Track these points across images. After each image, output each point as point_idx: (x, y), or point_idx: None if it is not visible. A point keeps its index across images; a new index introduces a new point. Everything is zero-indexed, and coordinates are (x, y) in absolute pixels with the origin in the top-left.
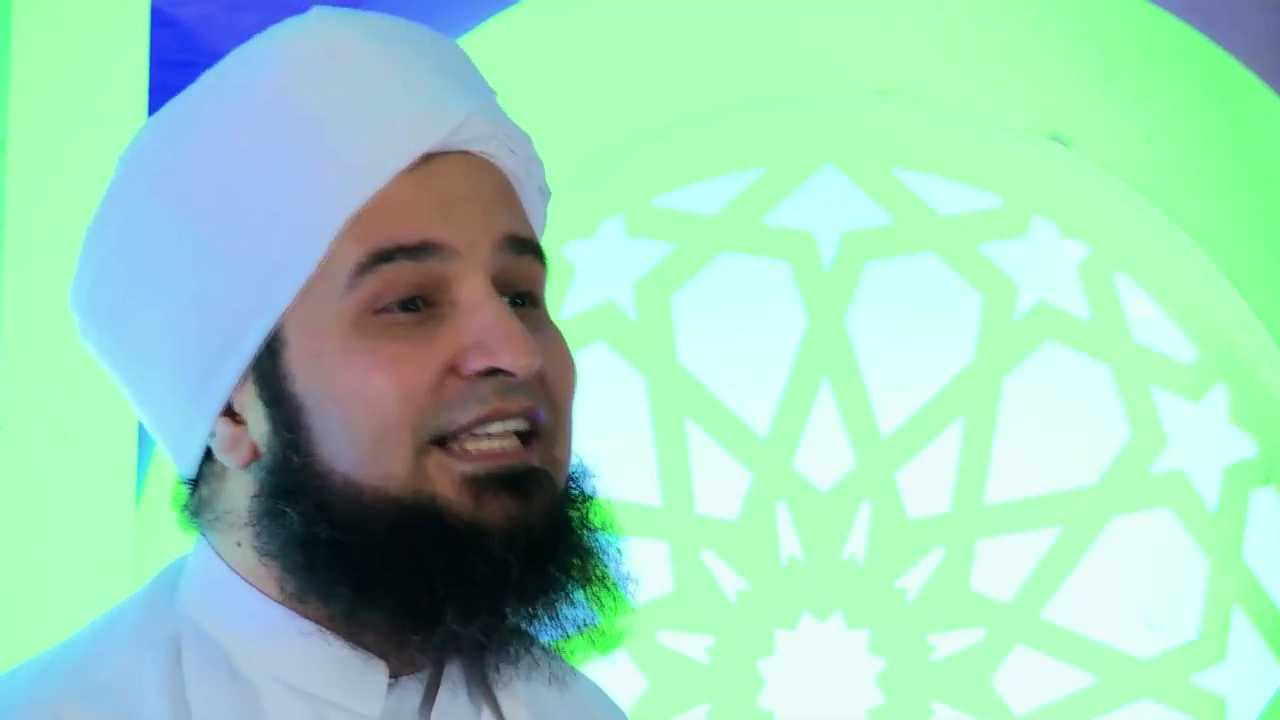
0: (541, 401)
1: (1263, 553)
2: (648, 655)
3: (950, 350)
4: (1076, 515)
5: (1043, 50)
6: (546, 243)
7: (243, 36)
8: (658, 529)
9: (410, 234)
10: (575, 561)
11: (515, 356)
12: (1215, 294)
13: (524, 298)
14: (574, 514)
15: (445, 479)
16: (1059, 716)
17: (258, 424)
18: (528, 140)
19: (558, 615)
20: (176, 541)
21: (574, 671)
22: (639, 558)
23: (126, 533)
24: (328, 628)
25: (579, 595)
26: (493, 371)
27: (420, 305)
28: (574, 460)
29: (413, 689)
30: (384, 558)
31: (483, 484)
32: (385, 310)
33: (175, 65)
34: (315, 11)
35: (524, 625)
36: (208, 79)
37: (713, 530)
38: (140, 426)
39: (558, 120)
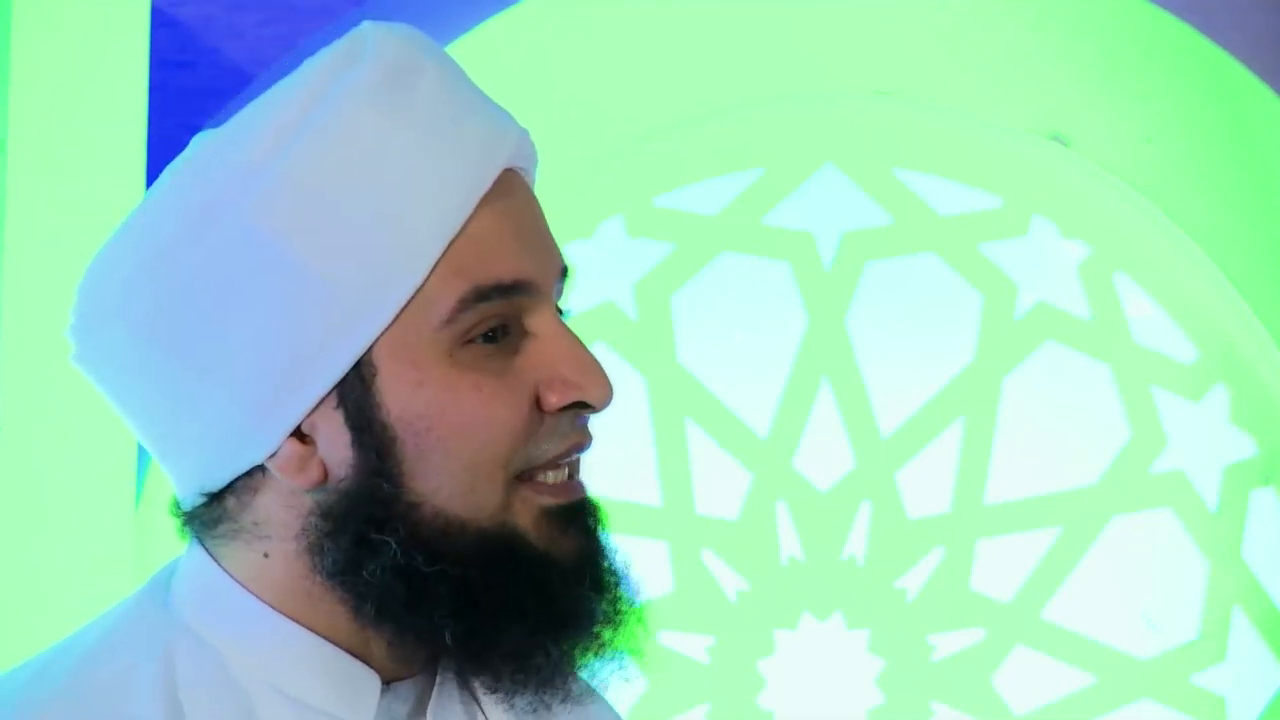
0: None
1: (1263, 553)
2: (648, 655)
3: (950, 350)
4: (1076, 515)
5: (1043, 50)
6: None
7: (243, 36)
8: (658, 529)
9: (508, 272)
10: (617, 589)
11: (598, 391)
12: (1215, 294)
13: (561, 314)
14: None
15: (526, 512)
16: (1059, 716)
17: (334, 447)
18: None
19: (604, 644)
20: (176, 542)
21: (591, 690)
22: (639, 558)
23: (126, 533)
24: (327, 639)
25: (618, 622)
26: (575, 404)
27: (498, 335)
28: None
29: (405, 695)
30: (483, 590)
31: (559, 517)
32: (472, 342)
33: (175, 65)
34: (377, 28)
35: (580, 655)
36: (287, 98)
37: (713, 530)
38: None
39: (558, 120)
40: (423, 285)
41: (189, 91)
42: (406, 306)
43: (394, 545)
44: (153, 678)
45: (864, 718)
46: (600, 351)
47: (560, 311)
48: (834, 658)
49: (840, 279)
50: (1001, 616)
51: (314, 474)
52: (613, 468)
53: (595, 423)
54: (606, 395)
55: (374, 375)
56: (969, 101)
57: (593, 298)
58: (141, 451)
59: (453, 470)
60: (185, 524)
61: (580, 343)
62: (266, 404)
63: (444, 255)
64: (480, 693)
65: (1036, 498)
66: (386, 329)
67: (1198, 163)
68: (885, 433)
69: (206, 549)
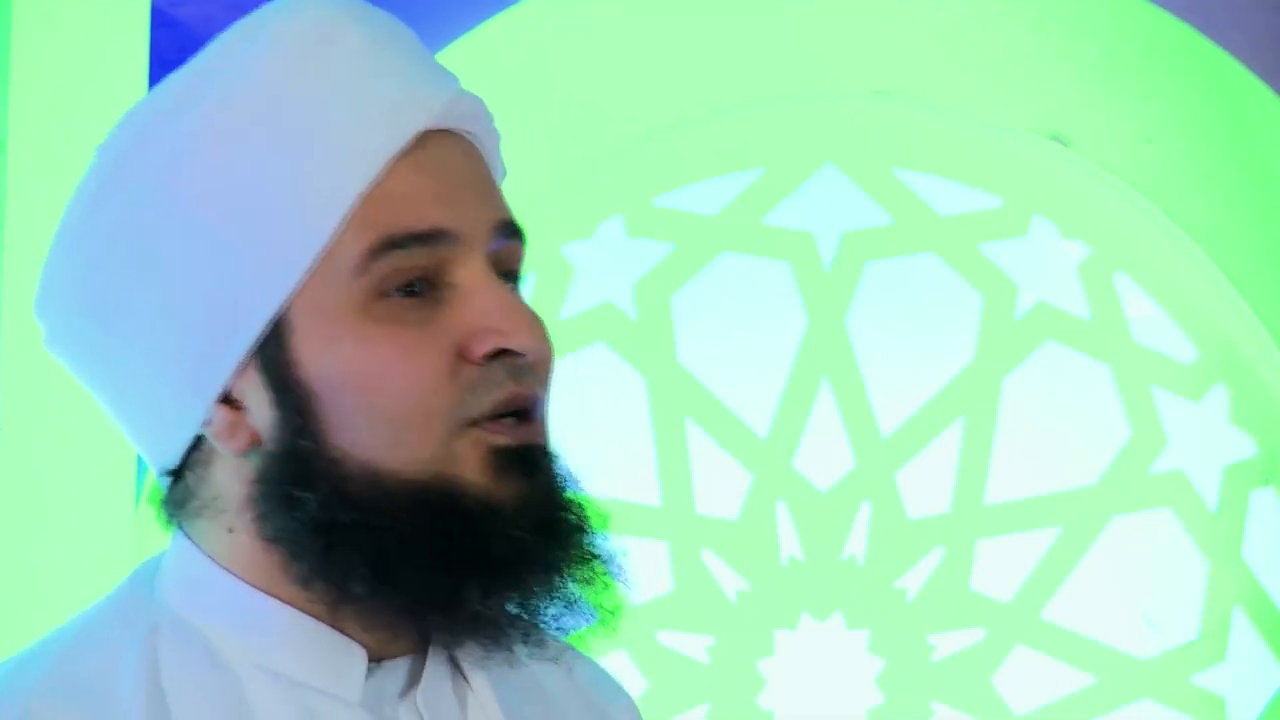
0: (540, 383)
1: (1263, 553)
2: (648, 655)
3: (950, 350)
4: (1076, 515)
5: (1043, 50)
6: (545, 243)
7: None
8: (658, 529)
9: (420, 220)
10: (575, 539)
11: (527, 337)
12: (1215, 294)
13: (512, 278)
14: (568, 493)
15: (474, 454)
16: (1059, 716)
17: (260, 410)
18: (493, 117)
19: (561, 595)
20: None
21: (578, 654)
22: (638, 557)
23: (126, 533)
24: (308, 613)
25: (578, 574)
26: (500, 353)
27: (419, 288)
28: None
29: (395, 673)
30: (404, 539)
31: (503, 460)
32: (388, 295)
33: (175, 65)
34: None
35: (529, 606)
36: (196, 65)
37: (713, 530)
38: None
39: (558, 120)
40: (335, 241)
41: None
42: (320, 263)
43: (310, 500)
44: (135, 666)
45: (864, 718)
46: (600, 351)
47: (515, 276)
48: (834, 658)
49: (840, 279)
50: (1001, 616)
51: (244, 438)
52: (613, 468)
53: (595, 423)
54: (532, 341)
55: (290, 333)
56: (969, 101)
57: (593, 298)
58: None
59: (373, 424)
60: (161, 508)
61: (510, 292)
62: (191, 371)
63: (356, 211)
64: (467, 670)
65: (1036, 498)
66: (300, 287)
67: (1198, 163)
68: (885, 433)
69: (184, 531)
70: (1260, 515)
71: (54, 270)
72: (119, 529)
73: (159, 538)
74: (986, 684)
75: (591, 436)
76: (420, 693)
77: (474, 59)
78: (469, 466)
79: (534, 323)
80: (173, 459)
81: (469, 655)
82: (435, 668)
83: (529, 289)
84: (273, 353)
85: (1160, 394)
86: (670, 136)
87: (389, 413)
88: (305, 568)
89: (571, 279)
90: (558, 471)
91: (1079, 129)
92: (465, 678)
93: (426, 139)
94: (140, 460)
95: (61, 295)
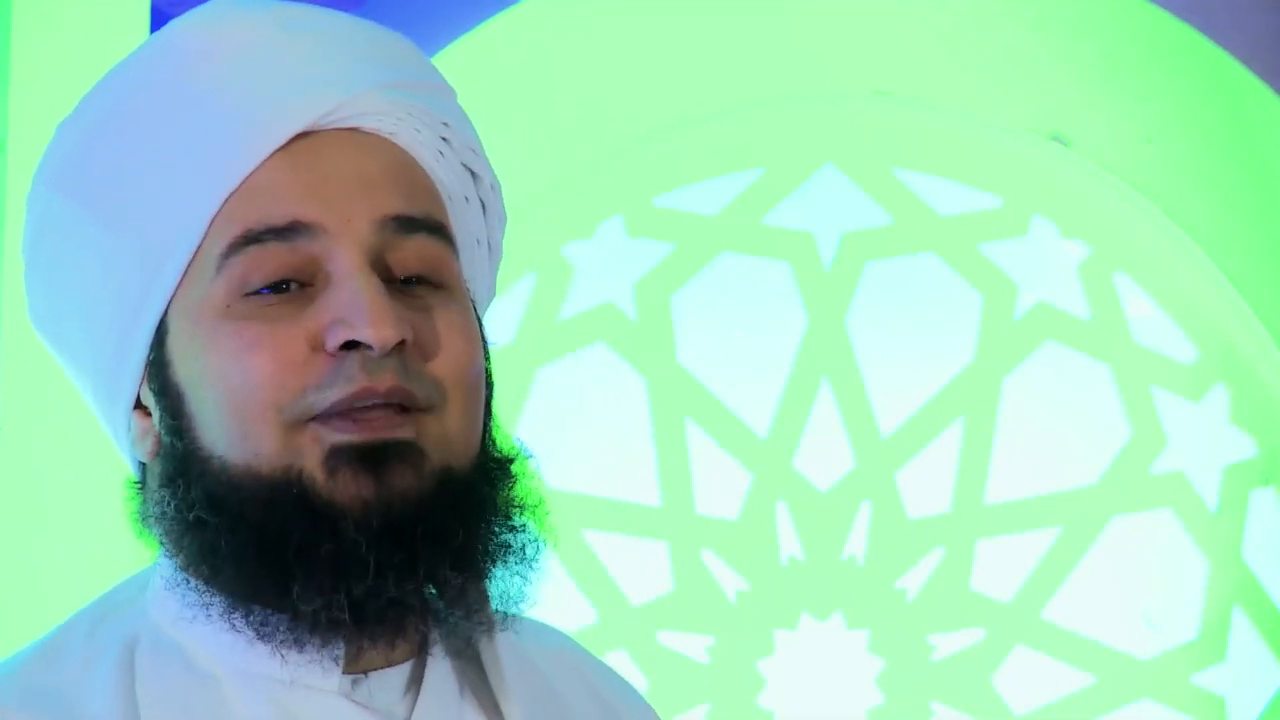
0: (419, 379)
1: (1263, 553)
2: (648, 655)
3: (950, 350)
4: (1076, 515)
5: (1043, 50)
6: (545, 243)
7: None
8: (658, 529)
9: (278, 214)
10: (456, 540)
11: (373, 328)
12: (1215, 294)
13: (417, 279)
14: (479, 493)
15: (315, 451)
16: (1059, 716)
17: (157, 415)
18: (445, 120)
19: (445, 582)
20: None
21: (588, 656)
22: (638, 558)
23: (126, 533)
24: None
25: (448, 573)
26: (353, 345)
27: (292, 287)
28: (502, 443)
29: (388, 681)
30: (254, 537)
31: (343, 457)
32: (256, 293)
33: None
34: (216, 1)
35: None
36: (113, 72)
37: (713, 530)
38: None
39: (558, 120)
40: (205, 242)
41: None
42: (192, 265)
43: (170, 499)
44: (108, 678)
45: (864, 718)
46: (600, 352)
47: (420, 276)
48: (834, 658)
49: (840, 279)
50: (1001, 616)
51: (150, 444)
52: (613, 468)
53: (595, 423)
54: (381, 333)
55: (167, 335)
56: (969, 101)
57: (593, 298)
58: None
59: (223, 419)
60: (135, 521)
61: (372, 284)
62: (109, 379)
63: (222, 210)
64: (493, 682)
65: (1036, 498)
66: (176, 290)
67: (1198, 163)
68: (885, 433)
69: (160, 542)
70: (1260, 515)
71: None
72: (119, 529)
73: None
74: (986, 684)
75: (591, 436)
76: (420, 700)
77: (474, 59)
78: (312, 462)
79: (385, 313)
80: (133, 469)
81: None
82: (439, 676)
83: (527, 288)
84: (155, 356)
85: (1160, 394)
86: (670, 136)
87: (232, 406)
88: (178, 566)
89: (571, 279)
90: (429, 468)
91: (1079, 129)
92: (481, 686)
93: (315, 139)
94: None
95: (34, 310)
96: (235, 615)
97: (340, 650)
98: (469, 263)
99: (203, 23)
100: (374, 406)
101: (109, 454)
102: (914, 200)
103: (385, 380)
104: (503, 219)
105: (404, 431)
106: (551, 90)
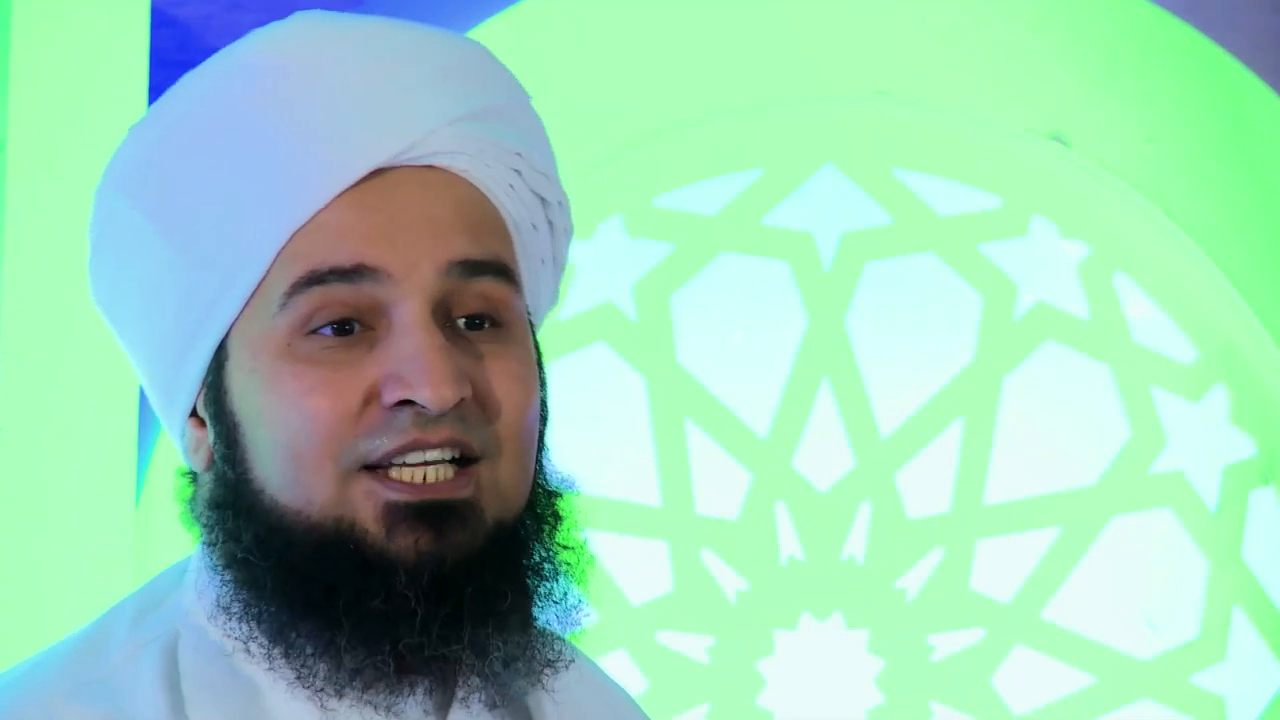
0: (475, 430)
1: (1262, 553)
2: (648, 655)
3: (950, 350)
4: (1076, 515)
5: (1043, 50)
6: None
7: (242, 36)
8: (657, 529)
9: (345, 256)
10: (504, 603)
11: (430, 389)
12: (1215, 294)
13: (481, 319)
14: (527, 547)
15: (369, 505)
16: (1059, 716)
17: (211, 436)
18: (519, 150)
19: (486, 647)
20: (176, 542)
21: (587, 660)
22: (638, 558)
23: (126, 533)
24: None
25: (513, 624)
26: (409, 401)
27: (355, 328)
28: (552, 477)
29: (426, 687)
30: (301, 585)
31: (400, 514)
32: (317, 332)
33: (175, 65)
34: (296, 16)
35: (460, 655)
36: (186, 80)
37: (712, 530)
38: (140, 426)
39: (557, 120)
40: (267, 275)
41: None
42: (256, 296)
43: (219, 530)
44: (154, 668)
45: (864, 718)
46: (600, 351)
47: (484, 317)
48: (834, 658)
49: (840, 279)
50: (1001, 616)
51: (203, 457)
52: (613, 468)
53: (595, 423)
54: (437, 394)
55: (226, 360)
56: (969, 101)
57: (592, 298)
58: (141, 451)
59: (278, 460)
60: (182, 508)
61: (433, 340)
62: (166, 383)
63: (289, 246)
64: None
65: (1036, 498)
66: (238, 316)
67: (1198, 163)
68: (885, 433)
69: (202, 539)
70: (1260, 515)
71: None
72: (119, 529)
73: (159, 538)
74: (986, 684)
75: (591, 436)
76: (455, 710)
77: None
78: (366, 515)
79: (442, 374)
80: (184, 462)
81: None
82: (471, 691)
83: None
84: (213, 378)
85: (1160, 394)
86: (670, 136)
87: (288, 449)
88: (226, 596)
89: (571, 279)
90: (483, 527)
91: (1079, 129)
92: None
93: (385, 177)
94: (140, 460)
95: (97, 294)
96: (276, 654)
97: (380, 697)
98: (531, 284)
99: (279, 40)
100: (430, 461)
101: (109, 454)
102: (914, 200)
103: (440, 434)
104: (569, 232)
105: (461, 491)
106: (551, 90)
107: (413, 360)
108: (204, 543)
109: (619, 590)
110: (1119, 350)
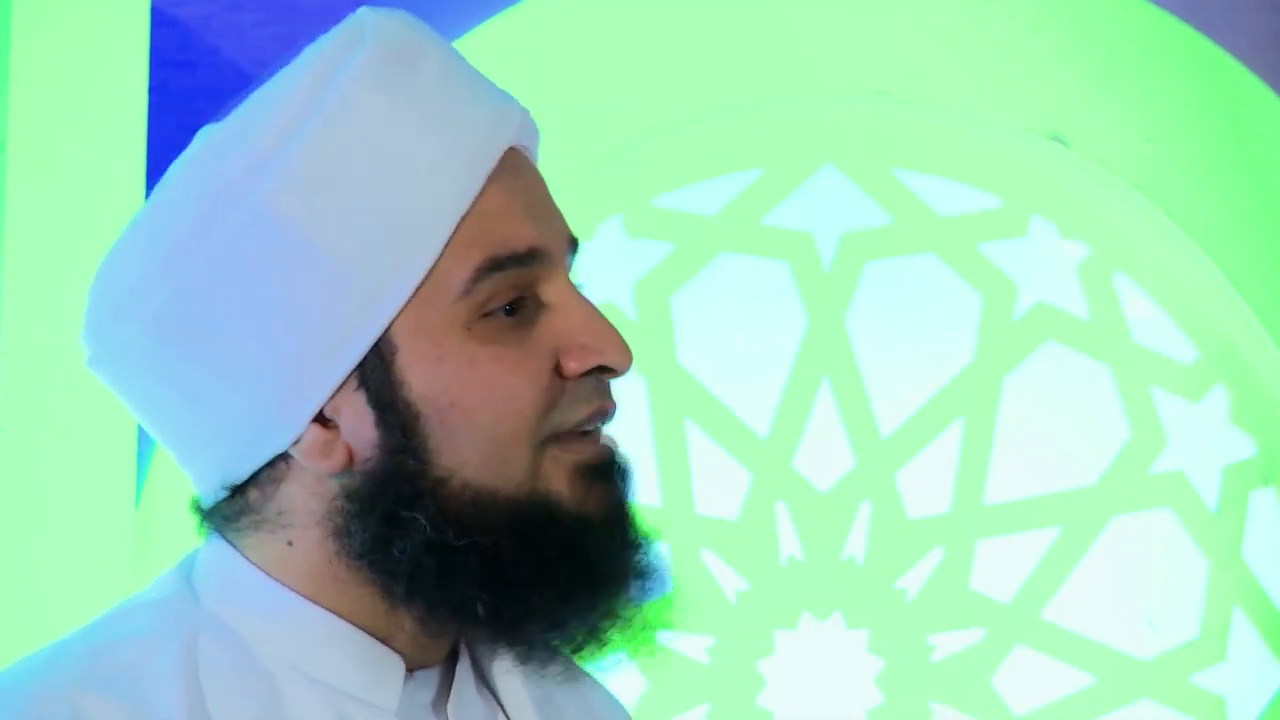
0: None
1: (1262, 553)
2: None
3: (949, 350)
4: (1076, 515)
5: (1043, 50)
6: None
7: (243, 36)
8: (657, 529)
9: (521, 241)
10: (644, 545)
11: (618, 354)
12: (1215, 294)
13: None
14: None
15: (559, 472)
16: (1059, 716)
17: (358, 429)
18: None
19: (628, 613)
20: (176, 541)
21: (583, 671)
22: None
23: (126, 533)
24: (352, 622)
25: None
26: (595, 369)
27: (517, 308)
28: None
29: (427, 682)
30: (512, 559)
31: (592, 473)
32: (490, 314)
33: (175, 65)
34: (374, 14)
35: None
36: (285, 91)
37: (712, 530)
38: (140, 426)
39: (558, 120)
40: (436, 262)
41: (189, 91)
42: (422, 284)
43: (423, 521)
44: (173, 662)
45: (864, 718)
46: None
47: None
48: (834, 658)
49: (839, 279)
50: (1001, 616)
51: (340, 457)
52: None
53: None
54: (626, 358)
55: (394, 354)
56: (969, 101)
57: (592, 298)
58: (141, 451)
59: (478, 442)
60: (205, 519)
61: (596, 309)
62: (287, 392)
63: (455, 232)
64: (496, 680)
65: (1036, 498)
66: (403, 308)
67: (1198, 163)
68: (885, 433)
69: (229, 540)
70: (1260, 515)
71: (121, 295)
72: (119, 529)
73: (159, 538)
74: (986, 684)
75: None
76: (450, 704)
77: (473, 59)
78: (559, 482)
79: (621, 339)
80: (242, 476)
81: (499, 665)
82: (463, 678)
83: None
84: (377, 373)
85: (1160, 394)
86: (670, 136)
87: (494, 431)
88: (406, 588)
89: (580, 252)
90: (630, 481)
91: (1079, 129)
92: (491, 688)
93: (506, 157)
94: (140, 460)
95: (128, 319)
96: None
97: (403, 671)
98: None
99: (385, 37)
100: (598, 426)
101: (109, 454)
102: (913, 200)
103: (613, 399)
104: None
105: (619, 446)
106: (550, 90)
107: (591, 328)
108: (319, 533)
109: None
110: (1119, 350)
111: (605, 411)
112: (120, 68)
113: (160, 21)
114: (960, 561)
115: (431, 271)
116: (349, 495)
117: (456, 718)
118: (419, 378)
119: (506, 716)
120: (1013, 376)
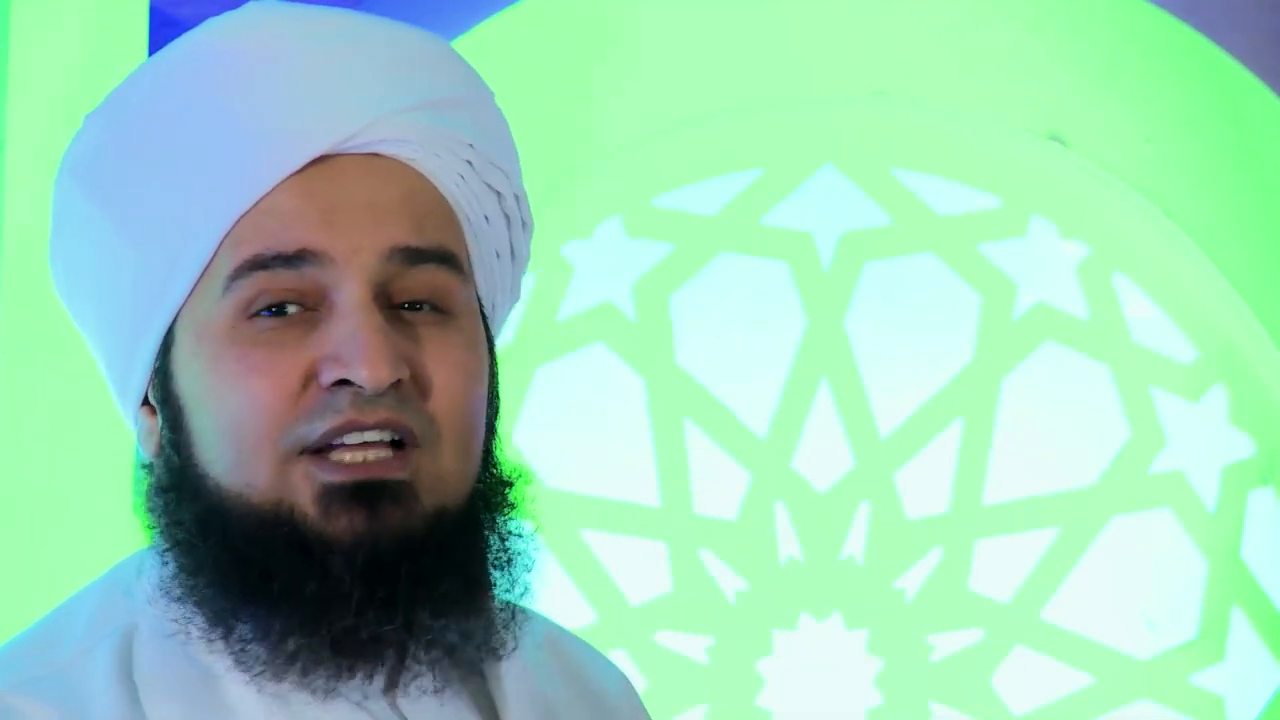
0: (413, 414)
1: (1262, 553)
2: (647, 655)
3: (949, 350)
4: (1075, 515)
5: (1043, 50)
6: (544, 243)
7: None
8: (657, 529)
9: (287, 242)
10: (440, 587)
11: (367, 368)
12: (1215, 294)
13: (422, 305)
14: (470, 535)
15: (307, 488)
16: (1058, 717)
17: (159, 421)
18: (471, 141)
19: (424, 629)
20: None
21: (564, 633)
22: (638, 559)
23: (126, 533)
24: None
25: (460, 607)
26: (346, 382)
27: (291, 310)
28: (504, 466)
29: (367, 671)
30: (238, 568)
31: (336, 495)
32: (258, 316)
33: None
34: (249, 5)
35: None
36: (141, 69)
37: (712, 530)
38: None
39: (557, 120)
40: (214, 261)
41: None
42: (201, 282)
43: (163, 513)
44: (109, 660)
45: (863, 718)
46: (599, 352)
47: (428, 304)
48: (833, 658)
49: (839, 279)
50: (1000, 616)
51: (153, 445)
52: (612, 468)
53: (594, 423)
54: (373, 373)
55: (173, 345)
56: (969, 101)
57: (592, 298)
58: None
59: (221, 443)
60: (136, 501)
61: (372, 320)
62: (120, 373)
63: (232, 229)
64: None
65: (1035, 498)
66: (185, 300)
67: (1198, 163)
68: (884, 433)
69: (157, 532)
70: (1259, 515)
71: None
72: (119, 529)
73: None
74: (985, 684)
75: (590, 437)
76: (400, 693)
77: (473, 59)
78: (304, 499)
79: (379, 353)
80: (142, 454)
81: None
82: (414, 677)
83: (526, 289)
84: (161, 364)
85: (1159, 394)
86: (670, 136)
87: (230, 432)
88: (176, 581)
89: (571, 279)
90: (420, 510)
91: (1079, 129)
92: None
93: (331, 163)
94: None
95: (57, 284)
96: (215, 638)
97: (320, 681)
98: (486, 277)
99: (230, 28)
100: (367, 442)
101: (108, 452)
102: (913, 200)
103: (376, 415)
104: (529, 226)
105: (397, 473)
106: (550, 90)
107: (350, 340)
108: (153, 524)
109: (618, 590)
110: (1118, 350)
111: (357, 425)
112: (120, 68)
113: (160, 21)
114: (959, 562)
115: (207, 268)
116: (155, 487)
117: (407, 708)
118: (183, 372)
119: (488, 692)
120: (1012, 376)
